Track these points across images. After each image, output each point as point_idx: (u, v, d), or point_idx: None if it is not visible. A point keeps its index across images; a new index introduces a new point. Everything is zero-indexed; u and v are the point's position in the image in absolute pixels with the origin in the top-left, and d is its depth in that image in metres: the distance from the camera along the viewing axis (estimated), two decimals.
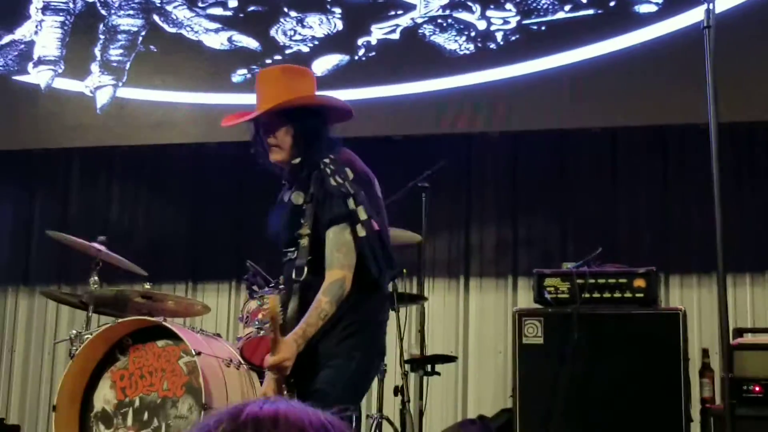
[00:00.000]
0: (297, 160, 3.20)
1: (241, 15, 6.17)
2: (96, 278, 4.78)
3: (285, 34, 6.05)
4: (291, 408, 1.19)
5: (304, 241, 3.09)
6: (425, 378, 5.01)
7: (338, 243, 3.07)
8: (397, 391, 4.70)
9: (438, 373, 5.01)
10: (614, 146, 6.12)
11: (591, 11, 5.67)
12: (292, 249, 3.14)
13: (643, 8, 5.60)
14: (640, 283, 4.44)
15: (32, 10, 6.49)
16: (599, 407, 4.32)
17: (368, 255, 3.08)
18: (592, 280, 4.48)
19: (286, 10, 6.08)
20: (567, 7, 5.70)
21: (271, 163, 3.26)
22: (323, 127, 3.24)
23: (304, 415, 1.19)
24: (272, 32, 6.06)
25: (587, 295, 4.47)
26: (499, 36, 5.78)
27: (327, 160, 3.12)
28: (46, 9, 6.46)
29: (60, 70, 6.39)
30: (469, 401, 6.08)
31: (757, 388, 4.21)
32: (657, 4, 5.58)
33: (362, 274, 3.09)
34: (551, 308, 4.51)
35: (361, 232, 3.06)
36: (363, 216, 3.07)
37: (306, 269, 3.06)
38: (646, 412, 4.24)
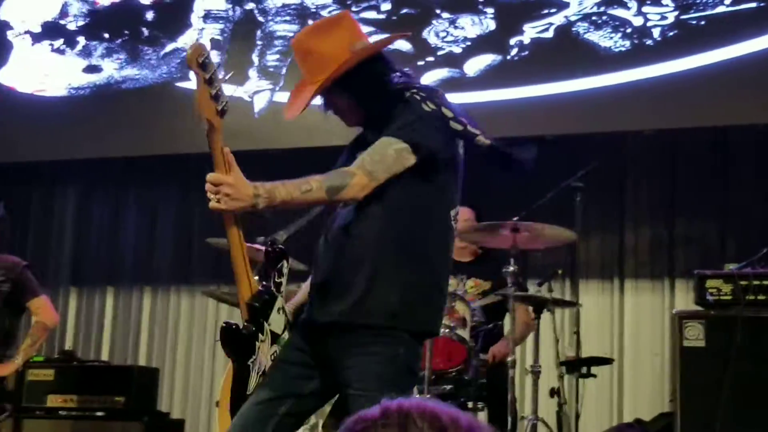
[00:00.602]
0: (378, 101, 2.77)
1: (394, 18, 6.22)
2: (255, 278, 4.89)
3: (437, 35, 6.07)
4: (437, 405, 1.19)
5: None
6: (581, 380, 4.95)
7: (377, 151, 2.63)
8: (553, 392, 4.66)
9: (594, 375, 4.94)
10: None
11: (753, 4, 5.48)
12: None
13: None
14: None
15: (194, 18, 6.72)
16: (765, 414, 4.17)
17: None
18: (756, 282, 4.33)
19: (438, 11, 6.10)
20: (727, 1, 5.52)
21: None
22: (384, 70, 2.80)
23: (453, 414, 1.18)
24: (425, 34, 6.09)
25: (751, 297, 4.32)
26: (656, 32, 5.65)
27: (414, 90, 2.74)
28: (206, 17, 6.68)
29: (220, 76, 6.59)
30: (625, 404, 5.97)
31: None
32: None
33: (425, 214, 2.69)
34: (713, 310, 4.38)
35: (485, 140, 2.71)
36: (476, 131, 2.73)
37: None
38: None
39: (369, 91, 2.78)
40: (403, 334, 2.64)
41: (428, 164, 2.67)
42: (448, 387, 4.54)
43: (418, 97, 2.70)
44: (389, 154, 2.62)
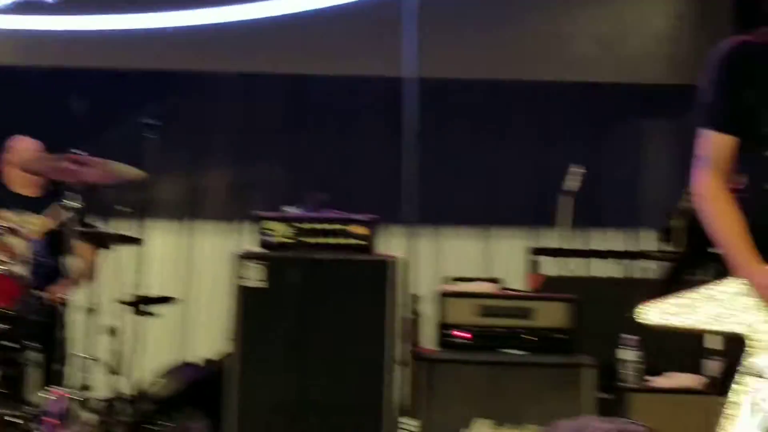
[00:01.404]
0: None
1: None
2: None
3: None
4: None
5: None
6: (142, 319, 4.90)
7: None
8: (110, 331, 4.58)
9: (155, 314, 4.91)
10: (352, 93, 6.17)
11: None
12: None
13: None
14: (359, 230, 4.52)
15: None
16: (315, 350, 4.39)
17: None
18: (313, 226, 4.53)
19: None
20: None
21: None
22: None
23: None
24: None
25: (308, 240, 4.51)
26: None
27: None
28: None
29: None
30: (196, 344, 6.05)
31: (461, 333, 4.41)
32: None
33: None
34: (273, 252, 4.52)
35: None
36: None
37: None
38: (357, 354, 4.35)
39: None
40: None
41: None
42: (4, 326, 4.32)
43: None
44: None
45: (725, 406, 2.35)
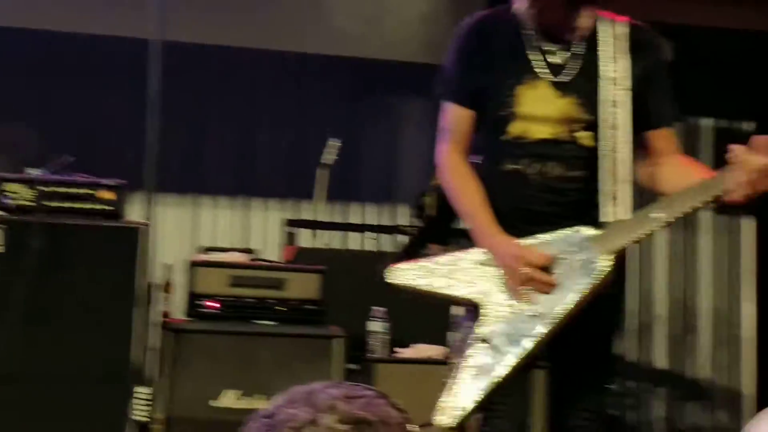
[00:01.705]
0: None
1: None
2: None
3: None
4: None
5: None
6: None
7: None
8: None
9: None
10: (98, 53, 5.96)
11: None
12: None
13: None
14: (107, 195, 4.36)
15: None
16: (57, 318, 4.21)
17: None
18: (57, 189, 4.33)
19: None
20: None
21: None
22: None
23: None
24: None
25: (52, 204, 4.31)
26: None
27: None
28: None
29: None
30: None
31: (210, 303, 4.35)
32: None
33: None
34: (12, 215, 4.29)
35: None
36: None
37: None
38: (102, 323, 4.21)
39: None
40: None
41: None
42: None
43: None
44: None
45: (454, 370, 2.42)
